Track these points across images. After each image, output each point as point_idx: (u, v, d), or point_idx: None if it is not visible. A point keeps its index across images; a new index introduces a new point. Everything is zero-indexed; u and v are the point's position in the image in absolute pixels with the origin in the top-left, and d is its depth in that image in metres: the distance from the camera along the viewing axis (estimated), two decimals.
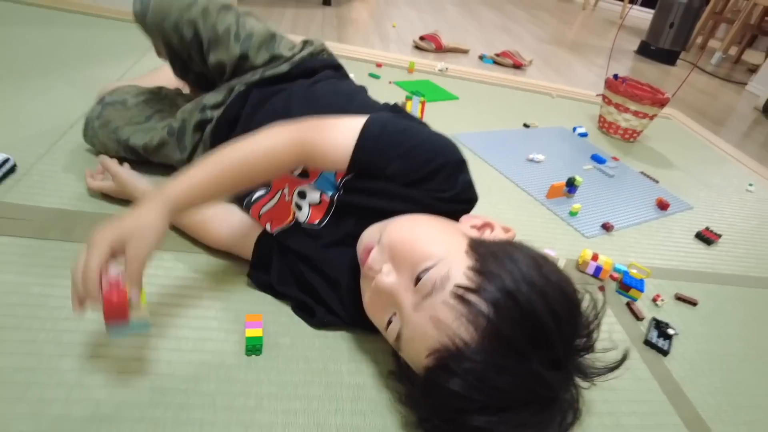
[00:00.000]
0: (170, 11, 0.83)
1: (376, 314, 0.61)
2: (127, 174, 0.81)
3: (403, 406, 0.61)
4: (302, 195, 0.72)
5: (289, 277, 0.71)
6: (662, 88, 1.76)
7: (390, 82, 1.66)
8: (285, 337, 0.67)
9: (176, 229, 0.79)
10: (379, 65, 1.79)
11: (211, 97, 0.87)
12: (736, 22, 4.17)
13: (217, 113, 0.87)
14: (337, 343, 0.68)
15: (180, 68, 0.94)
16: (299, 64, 0.90)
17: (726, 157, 1.89)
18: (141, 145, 0.87)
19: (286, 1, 2.40)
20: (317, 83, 0.87)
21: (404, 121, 0.72)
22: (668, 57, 3.48)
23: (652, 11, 3.49)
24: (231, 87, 0.87)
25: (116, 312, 0.50)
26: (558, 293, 0.52)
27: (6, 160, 0.83)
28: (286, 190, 0.74)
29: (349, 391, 0.62)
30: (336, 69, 0.95)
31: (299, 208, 0.72)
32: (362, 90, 0.92)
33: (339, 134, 0.66)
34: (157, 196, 0.57)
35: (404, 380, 0.60)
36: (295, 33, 1.94)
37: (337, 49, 1.84)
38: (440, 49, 2.18)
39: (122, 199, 0.82)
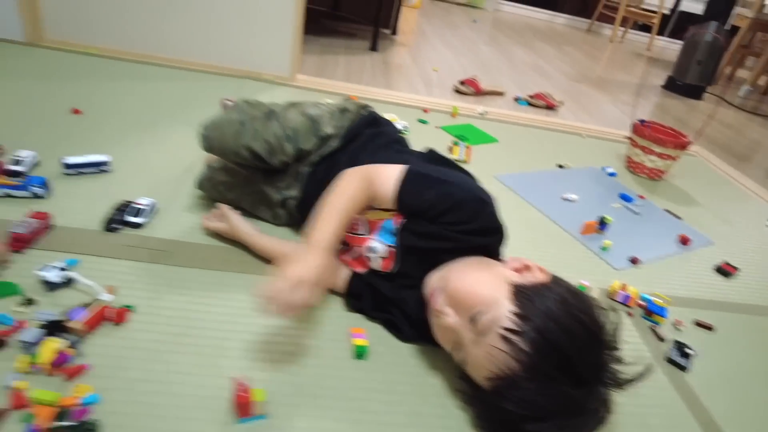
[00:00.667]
0: (226, 143, 1.01)
1: (443, 343, 0.82)
2: (238, 220, 1.02)
3: (468, 407, 0.79)
4: (372, 250, 0.92)
5: (378, 305, 0.91)
6: (689, 123, 1.93)
7: (436, 127, 1.87)
8: (380, 346, 0.86)
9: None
10: (425, 110, 2.00)
11: (283, 182, 1.07)
12: (762, 55, 4.30)
13: (291, 192, 1.06)
14: (419, 353, 0.88)
15: (250, 170, 1.09)
16: (346, 135, 1.08)
17: (748, 194, 2.03)
18: (247, 206, 1.10)
19: (337, 48, 2.66)
20: (360, 153, 1.03)
21: (435, 167, 0.93)
22: (695, 92, 3.62)
23: (679, 42, 3.64)
24: (296, 170, 1.06)
25: (243, 411, 0.69)
26: (581, 329, 0.71)
27: (153, 204, 1.06)
28: (359, 249, 0.95)
29: (431, 389, 0.82)
30: (376, 122, 1.13)
31: (372, 260, 0.93)
32: (398, 142, 1.10)
33: (387, 175, 0.88)
34: (315, 246, 0.80)
35: (469, 387, 0.79)
36: (349, 81, 2.18)
37: (388, 96, 2.08)
38: (479, 93, 2.39)
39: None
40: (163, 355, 0.77)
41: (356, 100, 1.17)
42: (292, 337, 0.85)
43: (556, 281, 0.80)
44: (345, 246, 0.97)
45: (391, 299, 0.90)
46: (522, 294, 0.75)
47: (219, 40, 1.93)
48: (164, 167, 1.25)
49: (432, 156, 1.01)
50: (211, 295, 0.90)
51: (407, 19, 3.25)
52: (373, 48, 2.75)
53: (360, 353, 0.83)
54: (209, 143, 1.04)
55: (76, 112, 1.42)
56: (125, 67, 1.81)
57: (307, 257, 0.78)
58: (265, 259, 1.00)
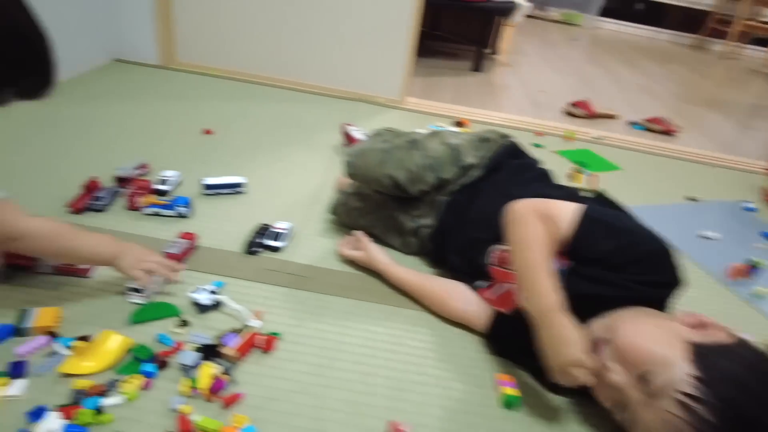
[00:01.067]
0: (369, 171, 1.02)
1: (603, 399, 0.74)
2: (375, 250, 1.01)
3: None
4: None
5: (525, 350, 0.85)
6: None
7: (553, 152, 1.79)
8: (529, 396, 0.81)
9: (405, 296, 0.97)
10: (539, 134, 1.93)
11: (418, 210, 1.05)
12: None
13: (426, 220, 1.04)
14: (571, 406, 0.81)
15: (385, 196, 1.08)
16: (488, 164, 1.04)
17: None
18: (378, 232, 1.09)
19: (441, 70, 2.65)
20: (508, 185, 0.98)
21: (605, 209, 0.86)
22: None
23: None
24: (433, 198, 1.04)
25: None
26: None
27: (291, 228, 1.07)
28: (510, 285, 0.88)
29: None
30: (517, 153, 1.09)
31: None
32: (546, 176, 1.05)
33: (562, 214, 0.81)
34: (557, 313, 0.73)
35: None
36: (457, 103, 2.15)
37: (498, 118, 2.03)
38: (592, 116, 2.28)
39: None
40: (312, 388, 0.76)
41: (497, 129, 1.13)
42: (436, 378, 0.82)
43: (742, 343, 0.71)
44: (489, 281, 0.92)
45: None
46: (703, 355, 0.67)
47: (336, 63, 1.97)
48: (293, 190, 1.27)
49: (599, 198, 0.95)
50: (352, 325, 0.89)
51: (505, 37, 3.19)
52: (476, 68, 2.72)
53: (510, 403, 0.78)
54: (354, 170, 1.04)
55: (208, 132, 1.49)
56: (248, 89, 1.90)
57: (562, 332, 0.72)
58: (401, 290, 0.98)
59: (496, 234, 0.90)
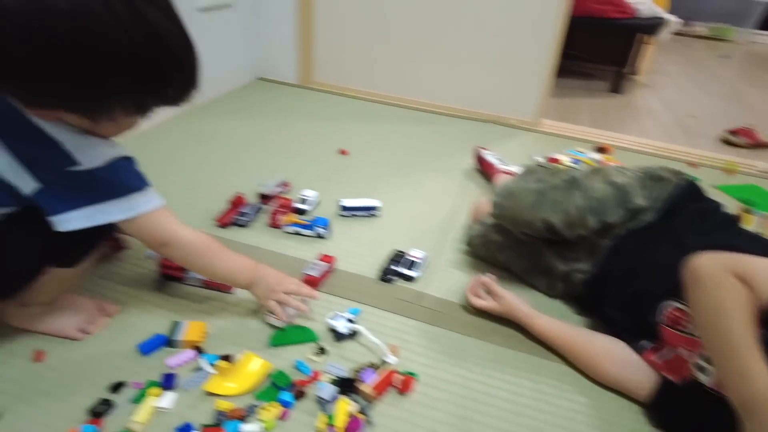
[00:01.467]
0: (520, 214, 0.92)
1: None
2: (513, 300, 0.90)
3: None
4: (709, 360, 0.71)
5: (698, 427, 0.72)
6: None
7: (712, 187, 1.57)
8: None
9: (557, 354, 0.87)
10: (692, 164, 1.72)
11: (573, 252, 0.94)
12: None
13: (581, 265, 0.93)
14: None
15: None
16: (661, 207, 0.92)
17: None
18: (519, 270, 1.00)
19: (576, 90, 2.49)
20: (687, 233, 0.86)
21: None
22: None
23: None
24: (593, 242, 0.92)
25: None
26: None
27: (426, 257, 1.03)
28: (683, 351, 0.75)
29: None
30: (698, 195, 0.95)
31: (701, 370, 0.72)
32: (734, 222, 0.90)
33: (761, 272, 0.66)
34: None
35: None
36: (596, 127, 2.00)
37: (643, 146, 1.85)
38: (756, 145, 2.00)
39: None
40: None
41: (668, 167, 0.99)
42: None
43: None
44: (655, 341, 0.79)
45: (721, 426, 0.70)
46: None
47: (471, 84, 1.92)
48: (425, 215, 1.23)
49: None
50: (491, 374, 0.81)
51: (646, 56, 2.93)
52: (615, 90, 2.52)
53: None
54: (501, 211, 0.96)
55: (343, 152, 1.50)
56: (381, 109, 1.91)
57: None
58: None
59: (670, 288, 0.77)
